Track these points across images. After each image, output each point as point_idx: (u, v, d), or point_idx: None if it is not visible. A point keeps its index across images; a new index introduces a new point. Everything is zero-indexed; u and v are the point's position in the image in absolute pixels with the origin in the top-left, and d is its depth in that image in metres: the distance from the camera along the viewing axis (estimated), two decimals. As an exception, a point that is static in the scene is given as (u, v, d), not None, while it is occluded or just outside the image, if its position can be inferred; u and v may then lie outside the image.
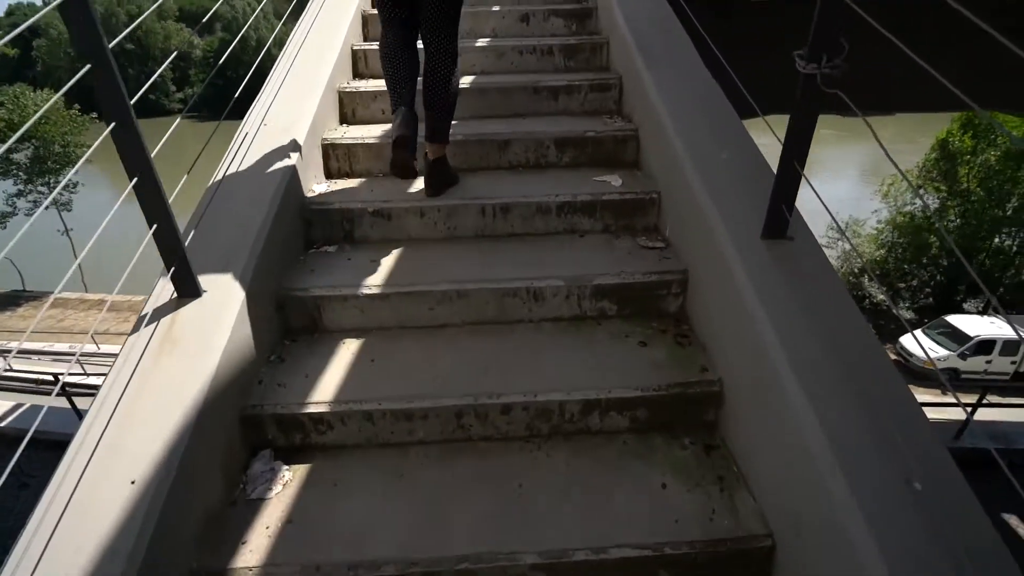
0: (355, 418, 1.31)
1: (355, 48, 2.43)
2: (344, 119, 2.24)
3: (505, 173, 2.01)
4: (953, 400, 9.35)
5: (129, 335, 1.25)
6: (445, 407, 1.31)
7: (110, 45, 1.05)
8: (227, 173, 1.64)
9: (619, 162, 2.04)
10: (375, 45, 2.46)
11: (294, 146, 1.78)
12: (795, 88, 1.14)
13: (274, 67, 2.13)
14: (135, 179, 1.15)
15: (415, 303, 1.56)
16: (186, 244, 1.27)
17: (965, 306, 16.55)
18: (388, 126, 2.15)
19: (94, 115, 20.81)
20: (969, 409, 7.01)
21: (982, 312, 15.28)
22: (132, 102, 1.10)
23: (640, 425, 1.36)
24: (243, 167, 1.67)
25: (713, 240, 1.40)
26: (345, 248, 1.78)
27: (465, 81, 2.28)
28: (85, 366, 11.69)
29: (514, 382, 1.36)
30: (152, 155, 1.15)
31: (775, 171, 1.53)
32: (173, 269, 1.26)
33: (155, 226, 1.21)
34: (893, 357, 13.76)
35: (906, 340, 13.35)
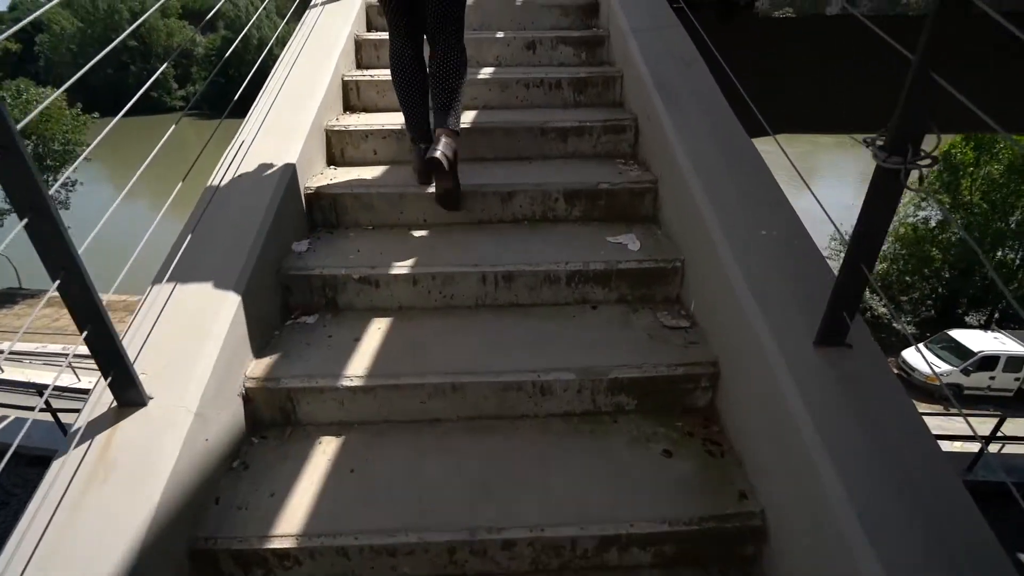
0: (328, 553, 1.10)
1: (346, 79, 2.21)
2: (332, 160, 2.03)
3: (509, 228, 1.80)
4: (961, 421, 9.23)
5: (56, 457, 1.04)
6: (435, 542, 1.10)
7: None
8: (192, 234, 1.43)
9: (635, 216, 1.84)
10: (369, 74, 2.26)
11: (272, 198, 1.56)
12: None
13: (256, 100, 1.92)
14: (59, 279, 0.94)
15: (404, 397, 1.35)
16: (130, 332, 1.07)
17: (967, 319, 16.40)
18: (380, 168, 1.95)
19: (95, 115, 20.65)
20: (981, 439, 6.82)
21: (985, 326, 15.11)
22: (54, 187, 0.90)
23: (666, 560, 1.15)
24: (211, 227, 1.46)
25: (751, 335, 1.20)
26: (326, 319, 1.57)
27: (467, 117, 2.07)
28: (77, 371, 11.49)
29: (518, 507, 1.15)
30: (113, 207, 0.99)
31: (819, 246, 1.36)
32: (111, 376, 1.05)
33: (87, 329, 1.00)
34: (895, 371, 13.61)
35: (908, 354, 13.17)
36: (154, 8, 5.89)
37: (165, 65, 1.74)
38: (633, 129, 2.03)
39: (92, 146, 1.24)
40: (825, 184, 27.60)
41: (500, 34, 2.46)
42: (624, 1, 2.34)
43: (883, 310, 15.48)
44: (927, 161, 0.86)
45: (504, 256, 1.62)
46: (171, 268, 1.34)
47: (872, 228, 0.96)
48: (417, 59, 1.74)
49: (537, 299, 1.61)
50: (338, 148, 2.02)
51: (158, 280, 1.32)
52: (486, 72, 2.30)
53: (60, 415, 6.79)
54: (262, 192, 1.57)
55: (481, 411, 1.37)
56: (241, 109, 1.89)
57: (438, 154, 1.59)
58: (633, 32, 2.13)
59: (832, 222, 1.26)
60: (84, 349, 1.05)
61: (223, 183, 1.59)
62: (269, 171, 1.65)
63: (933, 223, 17.09)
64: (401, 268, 1.57)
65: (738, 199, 1.46)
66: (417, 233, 1.77)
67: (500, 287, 1.59)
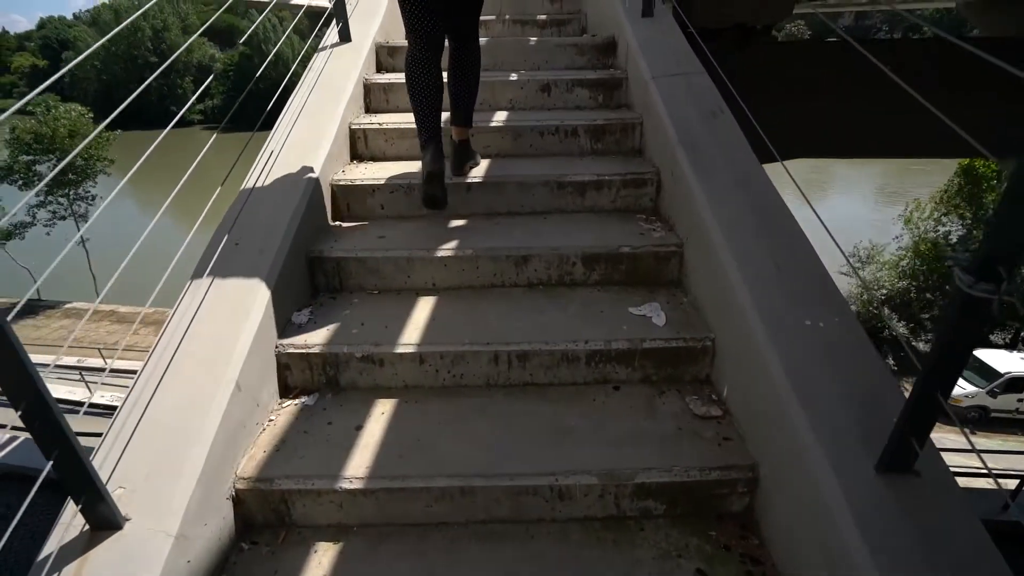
0: None
1: (353, 127, 2.13)
2: (338, 215, 1.93)
3: (522, 295, 1.68)
4: (997, 448, 8.84)
5: (19, 592, 0.93)
6: None
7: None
8: (180, 307, 1.33)
9: (659, 281, 1.71)
10: (377, 121, 2.17)
11: (273, 265, 1.47)
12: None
13: (260, 155, 1.83)
14: (20, 408, 0.84)
15: (408, 500, 1.22)
16: (109, 436, 0.96)
17: (992, 338, 15.88)
18: (388, 225, 1.86)
19: (118, 131, 21.11)
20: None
21: (1010, 346, 14.59)
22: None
23: None
24: (206, 300, 1.36)
25: (796, 443, 1.06)
26: (326, 399, 1.46)
27: (479, 171, 1.97)
28: (89, 382, 11.55)
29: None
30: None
31: (872, 344, 1.21)
32: (83, 501, 0.95)
33: (54, 454, 0.89)
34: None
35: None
36: (197, 34, 5.92)
37: (152, 74, 1.69)
38: (655, 183, 1.91)
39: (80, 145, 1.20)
40: (840, 198, 27.22)
41: (514, 76, 2.37)
42: (644, 42, 2.23)
43: (902, 331, 15.06)
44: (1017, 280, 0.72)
45: (518, 330, 1.50)
46: (159, 353, 1.24)
47: (952, 353, 0.82)
48: (432, 64, 1.77)
49: (554, 379, 1.48)
50: (344, 203, 1.92)
51: (145, 369, 1.22)
52: (500, 118, 2.20)
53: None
54: (263, 260, 1.48)
55: (492, 515, 1.24)
56: (264, 122, 1.86)
57: (443, 167, 1.77)
58: (654, 79, 2.02)
59: (838, 247, 1.16)
60: (97, 362, 0.96)
61: (222, 249, 1.49)
62: (272, 234, 1.55)
63: (954, 238, 16.66)
64: (407, 346, 1.46)
65: (775, 276, 1.33)
66: (425, 299, 1.66)
67: (514, 367, 1.46)
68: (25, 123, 19.49)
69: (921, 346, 15.24)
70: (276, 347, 1.45)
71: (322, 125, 1.98)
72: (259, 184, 1.71)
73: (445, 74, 1.86)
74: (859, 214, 23.53)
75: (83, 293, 18.36)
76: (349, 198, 1.92)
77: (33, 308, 18.43)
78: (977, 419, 11.58)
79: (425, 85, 1.75)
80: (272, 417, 1.39)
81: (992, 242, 0.73)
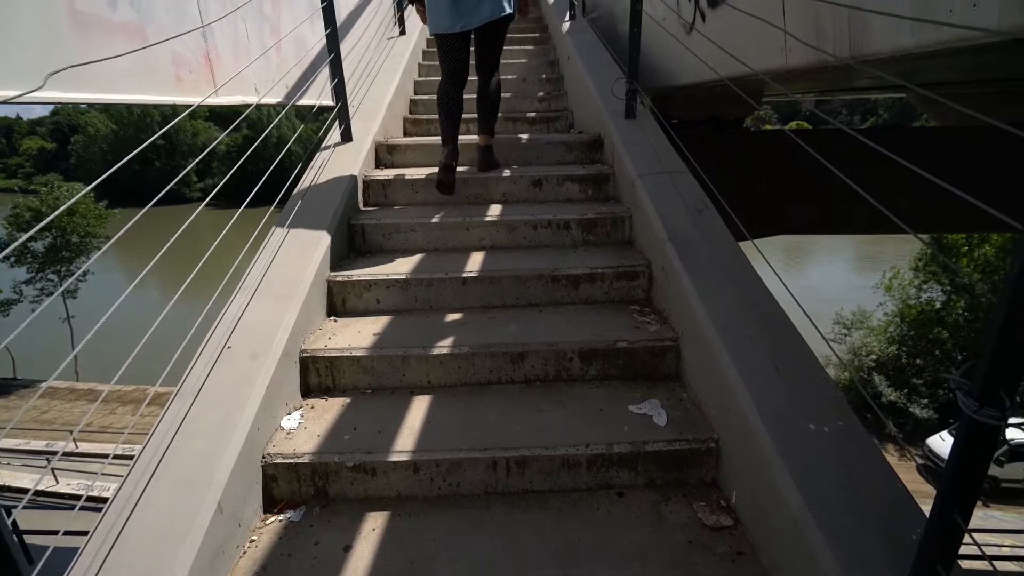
0: None
1: (352, 222, 2.19)
2: (333, 310, 1.94)
3: (520, 392, 1.65)
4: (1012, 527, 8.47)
5: None
6: None
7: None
8: (167, 414, 1.28)
9: (657, 375, 1.70)
10: (374, 215, 2.24)
11: (262, 372, 1.43)
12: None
13: (255, 258, 1.85)
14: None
15: (399, 637, 1.12)
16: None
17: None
18: (383, 321, 1.85)
19: (117, 210, 21.50)
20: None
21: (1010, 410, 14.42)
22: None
23: None
24: (190, 413, 1.31)
25: (815, 563, 1.00)
26: (314, 513, 1.37)
27: (474, 265, 2.01)
28: (56, 470, 10.80)
29: None
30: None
31: (878, 449, 1.19)
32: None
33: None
34: (920, 462, 12.81)
35: (933, 442, 12.44)
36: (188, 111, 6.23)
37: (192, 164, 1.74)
38: (647, 275, 1.95)
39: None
40: (822, 263, 28.03)
41: (507, 172, 2.49)
42: (628, 143, 2.38)
43: (895, 397, 14.92)
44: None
45: (516, 433, 1.46)
46: (140, 470, 1.17)
47: (964, 484, 0.80)
48: (457, 91, 2.41)
49: (554, 485, 1.42)
50: (339, 298, 1.93)
51: (123, 490, 1.15)
52: (494, 212, 2.28)
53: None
54: (255, 365, 1.45)
55: (493, 651, 1.13)
56: (264, 199, 1.94)
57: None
58: (640, 177, 2.13)
59: (804, 312, 1.24)
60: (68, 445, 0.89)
61: (214, 352, 1.46)
62: (267, 336, 1.53)
63: (939, 304, 17.01)
64: (401, 453, 1.40)
65: (775, 377, 1.33)
66: (420, 399, 1.62)
67: (513, 473, 1.40)
68: (27, 201, 19.88)
69: (917, 411, 15.04)
70: (263, 457, 1.38)
71: (322, 221, 2.04)
72: (259, 281, 1.72)
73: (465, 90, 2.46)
74: (842, 280, 24.12)
75: (63, 372, 17.78)
76: (345, 293, 1.93)
77: (7, 387, 17.74)
78: (988, 490, 11.18)
79: (449, 105, 2.38)
80: (254, 538, 1.30)
81: (991, 367, 0.74)
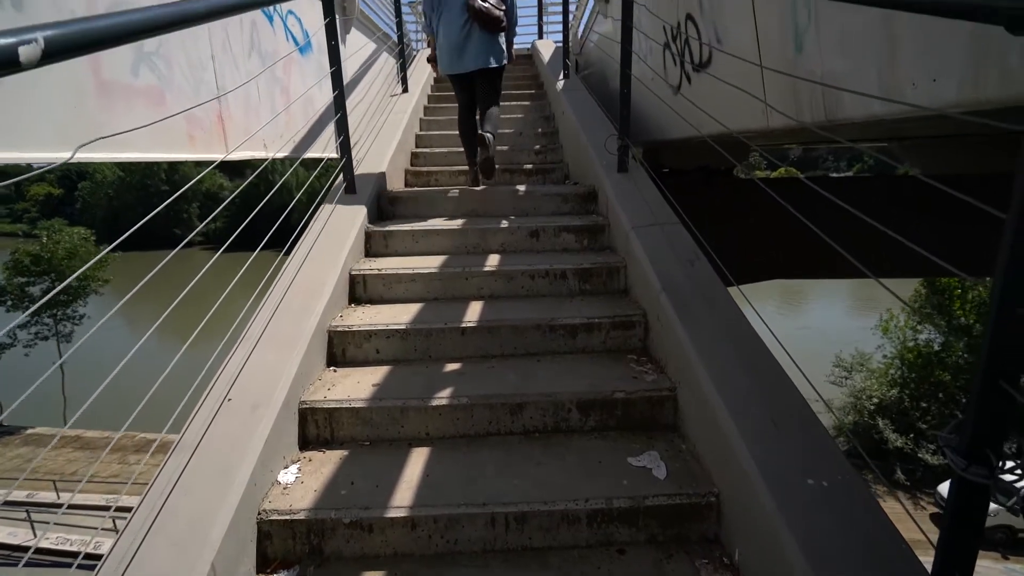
0: None
1: (353, 273, 2.24)
2: (332, 360, 1.95)
3: (518, 444, 1.65)
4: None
5: None
6: None
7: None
8: (159, 477, 1.27)
9: (655, 425, 1.70)
10: (376, 266, 2.29)
11: (262, 425, 1.43)
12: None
13: (258, 309, 1.89)
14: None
15: None
16: None
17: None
18: (382, 371, 1.87)
19: (117, 254, 21.63)
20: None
21: (1018, 455, 14.10)
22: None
23: None
24: (186, 471, 1.30)
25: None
26: (309, 574, 1.34)
27: (473, 315, 2.04)
28: (36, 522, 10.31)
29: None
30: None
31: (881, 508, 1.19)
32: None
33: None
34: (933, 510, 12.41)
35: (944, 489, 12.09)
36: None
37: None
38: (643, 324, 1.99)
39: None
40: (820, 306, 28.14)
41: (504, 223, 2.57)
42: (620, 194, 2.48)
43: (900, 443, 14.62)
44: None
45: (515, 487, 1.45)
46: (132, 531, 1.16)
47: (961, 542, 0.81)
48: (470, 117, 3.08)
49: (554, 542, 1.39)
50: (340, 348, 1.95)
51: (114, 552, 1.13)
52: (493, 262, 2.34)
53: None
54: (255, 418, 1.45)
55: None
56: (264, 244, 1.88)
57: (486, 135, 2.82)
58: (634, 228, 2.20)
59: (789, 355, 1.29)
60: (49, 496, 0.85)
61: (214, 406, 1.47)
62: (267, 388, 1.54)
63: (937, 346, 16.96)
64: (399, 509, 1.38)
65: (773, 433, 1.33)
66: (418, 451, 1.62)
67: (511, 529, 1.38)
68: (28, 246, 20.02)
69: (927, 457, 14.68)
70: (259, 514, 1.37)
71: (325, 271, 2.09)
72: (262, 331, 1.74)
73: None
74: (840, 321, 24.11)
75: (52, 419, 17.36)
76: (345, 343, 1.95)
77: (-9, 434, 17.28)
78: (1004, 540, 10.77)
79: (466, 130, 3.06)
80: (246, 600, 1.26)
81: (975, 426, 0.77)
